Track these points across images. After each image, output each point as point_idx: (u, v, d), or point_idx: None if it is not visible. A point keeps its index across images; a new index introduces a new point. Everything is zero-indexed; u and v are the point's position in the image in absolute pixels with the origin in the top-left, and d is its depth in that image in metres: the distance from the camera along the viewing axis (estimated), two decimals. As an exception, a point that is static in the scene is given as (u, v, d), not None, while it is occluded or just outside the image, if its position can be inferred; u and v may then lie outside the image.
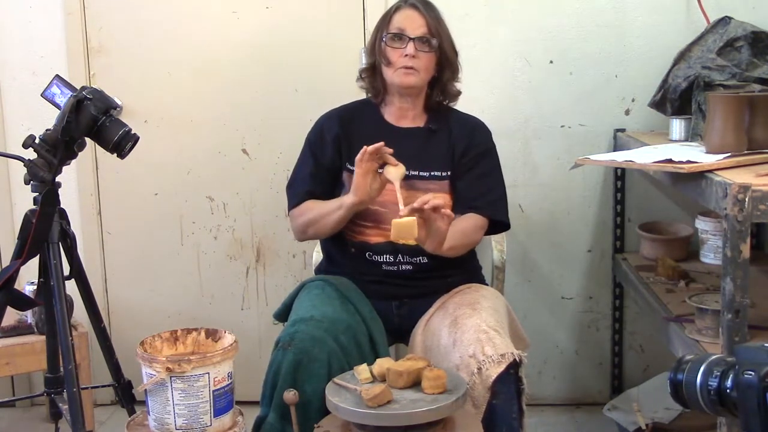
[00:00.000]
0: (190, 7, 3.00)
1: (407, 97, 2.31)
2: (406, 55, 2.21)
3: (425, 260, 2.26)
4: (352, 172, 2.23)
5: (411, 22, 2.23)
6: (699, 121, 2.46)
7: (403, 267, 2.27)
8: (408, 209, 1.99)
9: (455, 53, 2.32)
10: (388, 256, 2.25)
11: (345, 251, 2.31)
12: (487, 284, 2.44)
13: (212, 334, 2.24)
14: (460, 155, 2.30)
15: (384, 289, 2.27)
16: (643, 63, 2.91)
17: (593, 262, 3.06)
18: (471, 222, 2.26)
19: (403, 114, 2.34)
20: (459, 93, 2.37)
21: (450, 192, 2.29)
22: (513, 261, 3.00)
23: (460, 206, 2.28)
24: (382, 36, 2.26)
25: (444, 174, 2.29)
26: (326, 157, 2.32)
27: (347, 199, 2.16)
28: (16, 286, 2.22)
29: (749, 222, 1.71)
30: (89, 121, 2.16)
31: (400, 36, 2.23)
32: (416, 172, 2.27)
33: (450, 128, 2.33)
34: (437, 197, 2.05)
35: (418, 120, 2.34)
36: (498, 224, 2.34)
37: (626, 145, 2.71)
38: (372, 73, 2.34)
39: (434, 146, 2.31)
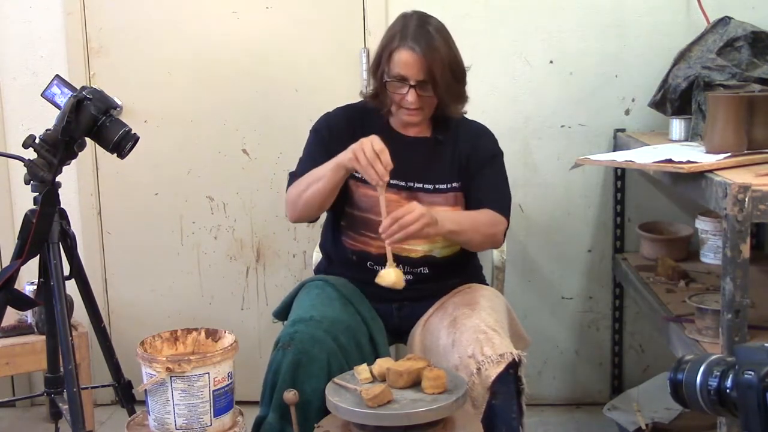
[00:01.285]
0: (190, 7, 3.00)
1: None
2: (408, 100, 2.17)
3: (426, 270, 2.26)
4: (357, 179, 2.23)
5: (410, 69, 2.14)
6: (699, 121, 2.46)
7: (404, 276, 2.26)
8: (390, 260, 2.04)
9: (461, 78, 2.23)
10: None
11: (345, 258, 2.31)
12: (487, 284, 2.44)
13: (212, 334, 2.24)
14: (465, 164, 2.27)
15: (383, 292, 2.26)
16: (643, 63, 2.91)
17: (593, 262, 3.06)
18: (484, 213, 2.19)
19: (409, 126, 2.31)
20: (465, 112, 2.32)
21: (454, 205, 2.26)
22: (513, 261, 3.00)
23: (472, 208, 2.25)
24: (384, 75, 2.19)
25: (449, 186, 2.26)
26: (334, 148, 2.22)
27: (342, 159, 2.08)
28: (16, 286, 2.22)
29: (749, 222, 1.71)
30: (89, 121, 2.16)
31: (401, 80, 2.17)
32: (421, 185, 2.25)
33: (456, 138, 2.30)
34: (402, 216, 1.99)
35: (425, 130, 2.31)
36: None
37: (626, 145, 2.71)
38: (375, 97, 2.28)
39: (439, 158, 2.28)
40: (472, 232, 2.16)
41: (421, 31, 2.16)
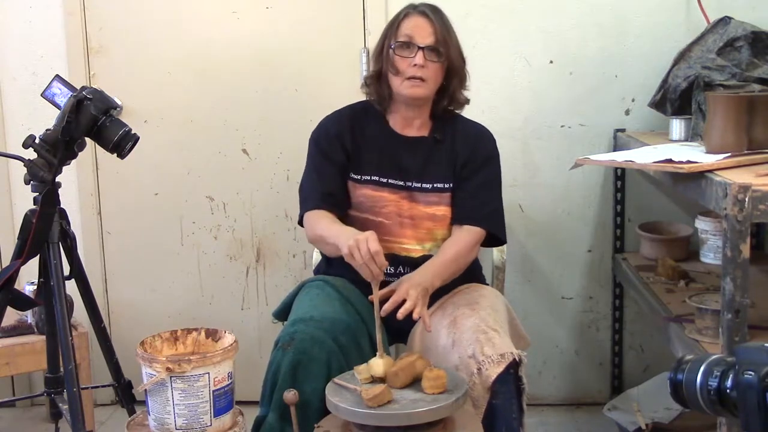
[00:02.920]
0: (190, 7, 3.00)
1: (414, 108, 2.28)
2: (415, 65, 2.17)
3: None
4: (356, 181, 2.23)
5: (420, 31, 2.17)
6: (699, 121, 2.46)
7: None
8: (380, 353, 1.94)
9: (463, 61, 2.27)
10: (389, 268, 2.25)
11: (344, 258, 2.30)
12: (487, 284, 2.44)
13: (212, 334, 2.24)
14: (461, 166, 2.27)
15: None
16: (643, 63, 2.91)
17: (593, 262, 3.06)
18: (464, 242, 2.21)
19: (408, 123, 2.30)
20: (467, 101, 2.34)
21: (451, 204, 2.26)
22: (513, 261, 3.00)
23: (457, 217, 2.26)
24: (390, 44, 2.21)
25: (447, 186, 2.26)
26: (335, 156, 2.27)
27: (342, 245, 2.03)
28: (16, 286, 2.22)
29: (749, 222, 1.71)
30: (89, 121, 2.16)
31: (408, 44, 2.18)
32: (419, 185, 2.25)
33: (454, 138, 2.29)
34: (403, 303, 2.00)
35: (423, 129, 2.31)
36: (493, 237, 2.30)
37: (626, 145, 2.71)
38: (377, 81, 2.28)
39: (437, 157, 2.28)
40: (457, 271, 2.21)
41: (429, 5, 2.24)
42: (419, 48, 2.17)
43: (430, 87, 2.22)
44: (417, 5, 2.24)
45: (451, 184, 2.27)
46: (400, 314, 1.98)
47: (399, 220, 2.23)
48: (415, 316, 2.00)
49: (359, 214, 2.25)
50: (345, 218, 2.27)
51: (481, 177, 2.28)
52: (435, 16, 2.20)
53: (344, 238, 2.01)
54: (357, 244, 1.96)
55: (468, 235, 2.23)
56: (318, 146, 2.31)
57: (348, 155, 2.27)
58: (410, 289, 2.03)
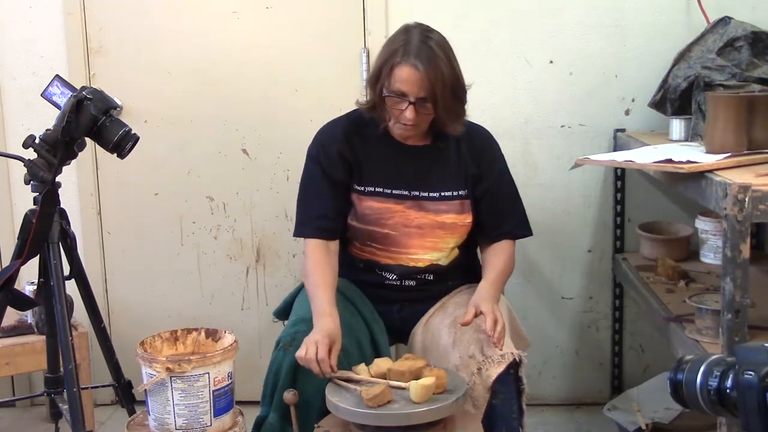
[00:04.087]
0: (190, 7, 3.00)
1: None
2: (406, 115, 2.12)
3: (430, 277, 2.26)
4: (360, 193, 2.22)
5: (411, 85, 2.07)
6: (699, 121, 2.46)
7: (407, 283, 2.26)
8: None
9: (462, 97, 2.17)
10: (394, 276, 2.25)
11: (352, 264, 2.30)
12: (487, 284, 2.44)
13: (212, 334, 2.24)
14: (474, 177, 2.25)
15: (385, 293, 2.27)
16: (643, 63, 2.91)
17: (593, 262, 3.06)
18: (506, 253, 2.28)
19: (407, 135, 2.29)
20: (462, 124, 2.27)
21: (461, 212, 2.24)
22: (513, 261, 3.00)
23: (491, 233, 2.27)
24: (383, 88, 2.12)
25: (455, 194, 2.23)
26: (333, 171, 2.22)
27: (315, 321, 2.04)
28: (16, 286, 2.23)
29: (749, 222, 1.71)
30: (89, 121, 2.16)
31: (400, 95, 2.10)
32: (426, 193, 2.22)
33: (458, 143, 2.25)
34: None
35: (425, 138, 2.26)
36: None
37: (626, 145, 2.71)
38: (373, 107, 2.21)
39: (443, 165, 2.25)
40: (507, 279, 2.31)
41: (423, 48, 2.08)
42: (410, 102, 2.09)
43: (422, 128, 2.19)
44: (410, 47, 2.08)
45: (461, 192, 2.24)
46: (496, 340, 2.01)
47: (405, 230, 2.21)
48: (497, 335, 2.01)
49: (364, 226, 2.22)
50: (348, 228, 2.25)
51: (500, 189, 2.29)
52: (428, 65, 2.06)
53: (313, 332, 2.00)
54: (305, 345, 1.94)
55: (506, 245, 2.29)
56: (316, 163, 2.24)
57: (350, 169, 2.23)
58: (489, 311, 2.05)
